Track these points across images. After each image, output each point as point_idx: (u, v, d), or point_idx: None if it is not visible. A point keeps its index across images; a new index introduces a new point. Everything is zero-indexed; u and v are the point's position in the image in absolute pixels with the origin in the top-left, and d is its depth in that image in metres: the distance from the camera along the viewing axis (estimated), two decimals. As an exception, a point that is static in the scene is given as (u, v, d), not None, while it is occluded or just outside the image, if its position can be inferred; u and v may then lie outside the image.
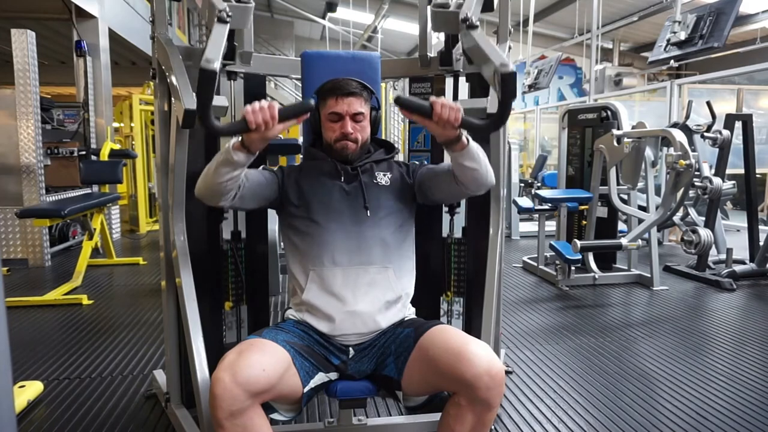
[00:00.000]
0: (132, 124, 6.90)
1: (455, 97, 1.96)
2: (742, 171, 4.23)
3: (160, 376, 2.08)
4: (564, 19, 10.94)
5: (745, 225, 4.18)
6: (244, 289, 1.93)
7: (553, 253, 3.81)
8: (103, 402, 2.05)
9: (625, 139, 3.54)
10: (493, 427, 1.85)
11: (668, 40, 4.73)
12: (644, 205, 4.08)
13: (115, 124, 7.49)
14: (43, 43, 7.11)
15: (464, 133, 1.36)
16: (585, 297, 3.60)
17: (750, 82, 8.07)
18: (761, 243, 3.98)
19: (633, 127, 3.74)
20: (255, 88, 1.93)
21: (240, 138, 1.31)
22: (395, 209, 1.54)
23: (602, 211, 4.05)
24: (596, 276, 3.90)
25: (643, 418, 1.94)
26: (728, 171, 4.22)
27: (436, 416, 1.61)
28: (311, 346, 1.39)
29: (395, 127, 9.21)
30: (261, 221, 1.98)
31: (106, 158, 5.14)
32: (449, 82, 1.97)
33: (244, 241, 1.93)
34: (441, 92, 1.98)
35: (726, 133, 4.10)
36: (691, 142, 4.23)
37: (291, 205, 1.52)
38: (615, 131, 3.61)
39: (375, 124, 1.59)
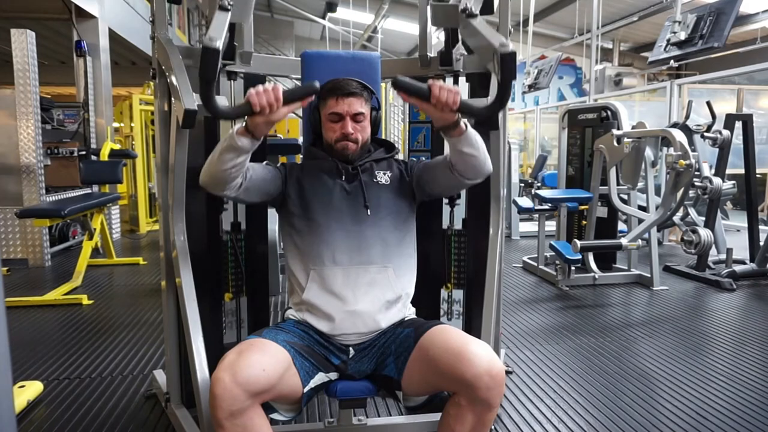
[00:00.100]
0: (132, 124, 6.90)
1: None
2: (742, 171, 4.23)
3: (160, 376, 2.08)
4: (564, 19, 10.95)
5: (745, 225, 4.18)
6: (243, 281, 1.93)
7: (553, 253, 3.81)
8: (103, 402, 2.05)
9: (625, 139, 3.54)
10: (493, 427, 1.85)
11: (668, 40, 4.73)
12: (644, 205, 4.08)
13: (115, 124, 7.49)
14: (43, 43, 7.12)
15: (463, 119, 1.34)
16: (585, 297, 3.60)
17: (750, 82, 8.07)
18: (761, 243, 3.98)
19: (633, 127, 3.74)
20: (255, 88, 1.93)
21: (244, 123, 1.30)
22: (395, 208, 1.54)
23: (602, 211, 4.05)
24: (596, 276, 3.90)
25: (643, 418, 1.94)
26: (728, 171, 4.22)
27: (436, 416, 1.61)
28: (311, 346, 1.39)
29: (395, 127, 9.21)
30: (261, 213, 1.97)
31: (106, 158, 5.14)
32: (449, 82, 1.97)
33: (244, 233, 1.94)
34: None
35: (726, 133, 4.10)
36: (691, 142, 4.23)
37: (292, 204, 1.52)
38: (615, 131, 3.62)
39: (375, 124, 1.60)
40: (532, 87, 7.90)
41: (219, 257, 1.87)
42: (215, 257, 1.86)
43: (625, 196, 4.07)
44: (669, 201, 3.47)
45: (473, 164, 1.40)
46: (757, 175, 4.30)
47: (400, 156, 1.70)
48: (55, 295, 3.42)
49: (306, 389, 1.32)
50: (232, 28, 1.84)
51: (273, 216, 2.54)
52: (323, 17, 12.63)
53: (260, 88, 1.25)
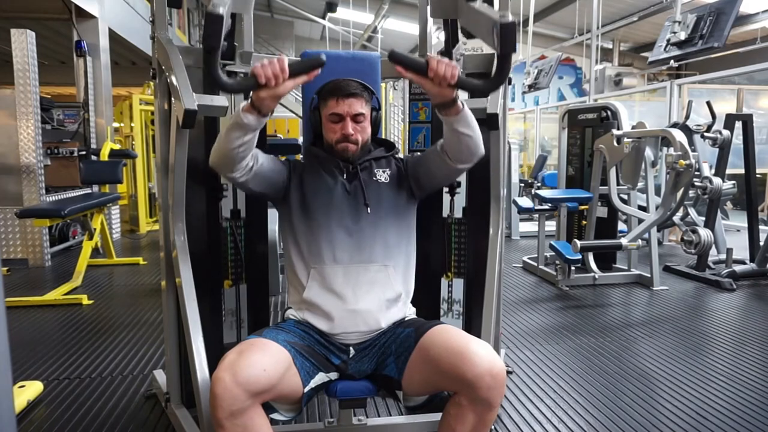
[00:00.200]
0: (132, 124, 6.90)
1: None
2: (742, 171, 4.23)
3: (160, 376, 2.08)
4: (564, 19, 10.95)
5: (745, 225, 4.18)
6: (243, 268, 1.93)
7: (553, 253, 3.81)
8: (103, 402, 2.05)
9: (625, 139, 3.54)
10: (493, 427, 1.85)
11: (668, 40, 4.73)
12: (644, 205, 4.08)
13: (115, 124, 7.49)
14: (43, 43, 7.12)
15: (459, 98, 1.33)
16: (585, 297, 3.60)
17: (750, 82, 8.06)
18: (761, 243, 3.98)
19: (633, 127, 3.74)
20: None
21: (250, 99, 1.28)
22: (395, 206, 1.54)
23: (602, 211, 4.05)
24: (596, 276, 3.90)
25: (643, 418, 1.94)
26: (728, 171, 4.22)
27: (436, 416, 1.61)
28: (312, 346, 1.39)
29: (395, 127, 9.21)
30: (261, 201, 1.97)
31: (106, 158, 5.14)
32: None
33: (244, 220, 1.94)
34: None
35: (726, 133, 4.10)
36: (691, 142, 4.23)
37: (293, 200, 1.52)
38: (615, 131, 3.62)
39: (375, 124, 1.60)
40: (532, 87, 7.90)
41: (219, 244, 1.87)
42: (215, 245, 1.86)
43: (625, 196, 4.07)
44: (669, 201, 3.47)
45: (468, 144, 1.40)
46: (757, 175, 4.30)
47: (401, 155, 1.70)
48: (55, 295, 3.42)
49: (306, 389, 1.32)
50: (232, 27, 1.84)
51: (273, 216, 2.54)
52: (323, 17, 12.63)
53: (265, 60, 1.23)
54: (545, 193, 4.09)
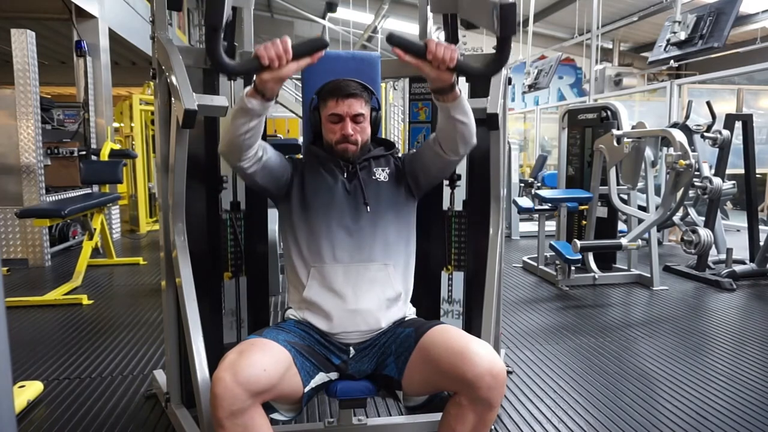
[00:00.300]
0: (132, 124, 6.90)
1: None
2: (742, 171, 4.23)
3: (160, 376, 2.08)
4: (564, 19, 10.95)
5: (745, 225, 4.18)
6: (243, 260, 1.93)
7: (553, 253, 3.81)
8: (103, 402, 2.05)
9: (625, 139, 3.54)
10: (493, 427, 1.85)
11: (668, 40, 4.73)
12: (644, 205, 4.08)
13: (115, 124, 7.49)
14: (43, 43, 7.11)
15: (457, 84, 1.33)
16: (585, 297, 3.60)
17: (750, 82, 8.07)
18: (761, 243, 3.98)
19: (633, 127, 3.74)
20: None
21: (253, 84, 1.27)
22: (395, 204, 1.55)
23: (602, 211, 4.05)
24: (596, 276, 3.90)
25: (643, 418, 1.94)
26: (728, 171, 4.22)
27: (436, 416, 1.61)
28: (312, 346, 1.39)
29: (395, 127, 9.21)
30: (261, 195, 1.97)
31: (106, 158, 5.14)
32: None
33: (244, 212, 1.94)
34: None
35: (726, 133, 4.10)
36: (691, 142, 4.23)
37: (294, 199, 1.52)
38: (615, 131, 3.62)
39: (375, 124, 1.60)
40: (532, 87, 7.90)
41: (219, 236, 1.88)
42: (215, 237, 1.86)
43: (625, 196, 4.07)
44: (669, 201, 3.47)
45: (463, 132, 1.40)
46: (757, 175, 4.30)
47: (400, 155, 1.71)
48: (55, 295, 3.42)
49: (306, 389, 1.32)
50: (232, 25, 1.84)
51: (273, 216, 2.54)
52: (323, 17, 12.62)
53: (268, 43, 1.21)
54: (545, 193, 4.09)
